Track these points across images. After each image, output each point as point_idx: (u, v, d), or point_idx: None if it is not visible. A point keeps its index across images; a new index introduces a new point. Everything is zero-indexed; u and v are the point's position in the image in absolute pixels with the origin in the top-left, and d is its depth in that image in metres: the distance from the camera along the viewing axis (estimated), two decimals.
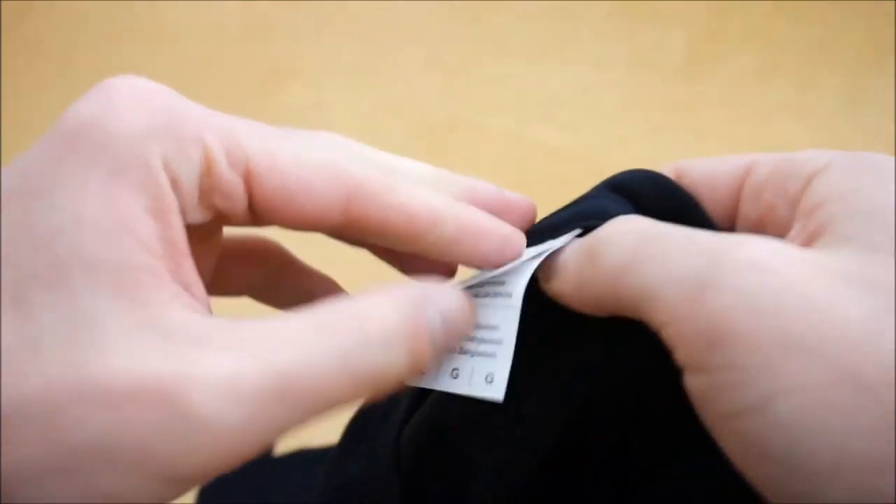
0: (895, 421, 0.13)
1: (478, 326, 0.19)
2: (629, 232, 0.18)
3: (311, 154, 0.18)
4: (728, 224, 0.21)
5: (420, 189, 0.19)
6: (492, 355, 0.19)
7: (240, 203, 0.18)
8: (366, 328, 0.16)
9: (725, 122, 0.67)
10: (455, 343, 0.19)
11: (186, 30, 0.77)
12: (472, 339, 0.19)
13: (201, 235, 0.19)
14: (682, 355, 0.16)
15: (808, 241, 0.17)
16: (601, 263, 0.18)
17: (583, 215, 0.21)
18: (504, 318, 0.19)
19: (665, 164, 0.22)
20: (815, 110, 0.68)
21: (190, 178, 0.17)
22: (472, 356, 0.19)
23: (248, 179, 0.17)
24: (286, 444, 0.53)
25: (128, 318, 0.15)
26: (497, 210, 0.21)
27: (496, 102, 0.71)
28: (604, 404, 0.19)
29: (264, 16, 0.78)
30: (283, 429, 0.16)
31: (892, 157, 0.17)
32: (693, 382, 0.16)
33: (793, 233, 0.18)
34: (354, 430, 0.29)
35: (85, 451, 0.14)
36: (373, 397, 0.17)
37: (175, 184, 0.17)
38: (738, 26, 0.74)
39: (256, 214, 0.18)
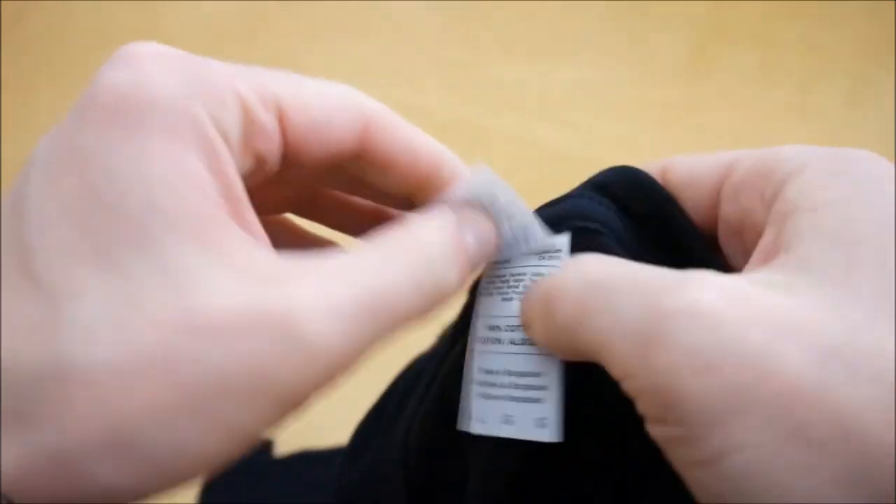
0: (847, 476, 0.13)
1: (520, 374, 0.20)
2: (577, 281, 0.18)
3: (331, 88, 0.19)
4: (710, 225, 0.20)
5: (424, 133, 0.21)
6: (538, 401, 0.20)
7: (276, 144, 0.18)
8: (427, 250, 0.18)
9: (726, 122, 0.67)
10: (482, 262, 0.21)
11: (186, 29, 0.77)
12: (516, 386, 0.20)
13: None
14: (639, 407, 0.16)
15: (773, 254, 0.16)
16: (556, 319, 0.18)
17: (562, 217, 0.21)
18: (545, 366, 0.20)
19: (653, 161, 0.21)
20: (815, 110, 0.68)
21: (233, 128, 0.17)
22: (518, 402, 0.20)
23: (280, 118, 0.18)
24: (288, 445, 0.53)
25: (218, 262, 0.16)
26: None
27: (496, 102, 0.71)
28: (603, 405, 0.19)
29: (264, 16, 0.78)
30: (373, 344, 0.17)
31: (876, 157, 0.17)
32: (652, 431, 0.16)
33: (766, 238, 0.17)
34: (367, 425, 0.29)
35: (206, 386, 0.15)
36: (434, 312, 0.19)
37: (224, 136, 0.17)
38: (739, 26, 0.74)
39: (287, 154, 0.19)
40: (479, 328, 0.21)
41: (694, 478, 0.15)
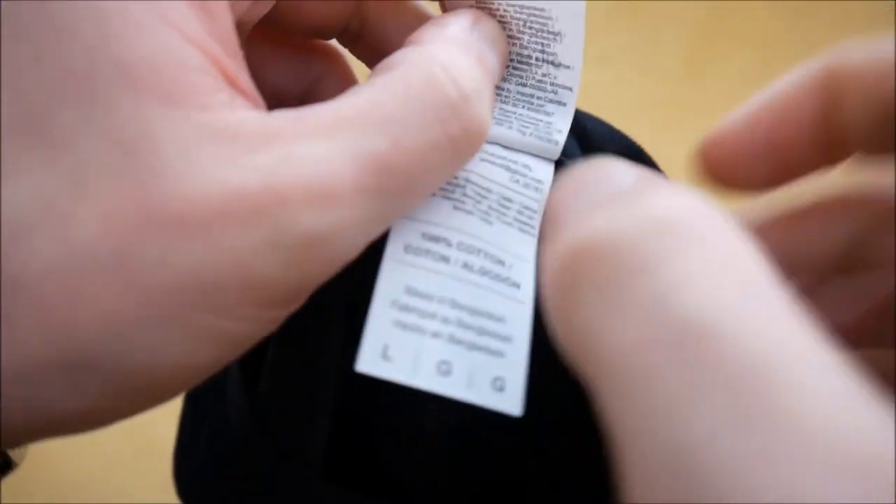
0: None
1: (474, 311, 0.15)
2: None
3: None
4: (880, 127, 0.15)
5: None
6: (499, 354, 0.14)
7: None
8: (454, 88, 0.14)
9: None
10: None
11: None
12: (465, 325, 0.14)
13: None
14: None
15: None
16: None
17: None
18: (513, 313, 0.15)
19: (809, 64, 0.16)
20: None
21: None
22: (468, 349, 0.14)
23: None
24: None
25: (186, 125, 0.12)
26: None
27: None
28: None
29: None
30: (386, 222, 0.14)
31: None
32: None
33: None
34: (188, 418, 0.23)
35: (174, 290, 0.12)
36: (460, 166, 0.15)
37: None
38: (738, 26, 0.74)
39: None
40: (407, 235, 0.15)
41: None
